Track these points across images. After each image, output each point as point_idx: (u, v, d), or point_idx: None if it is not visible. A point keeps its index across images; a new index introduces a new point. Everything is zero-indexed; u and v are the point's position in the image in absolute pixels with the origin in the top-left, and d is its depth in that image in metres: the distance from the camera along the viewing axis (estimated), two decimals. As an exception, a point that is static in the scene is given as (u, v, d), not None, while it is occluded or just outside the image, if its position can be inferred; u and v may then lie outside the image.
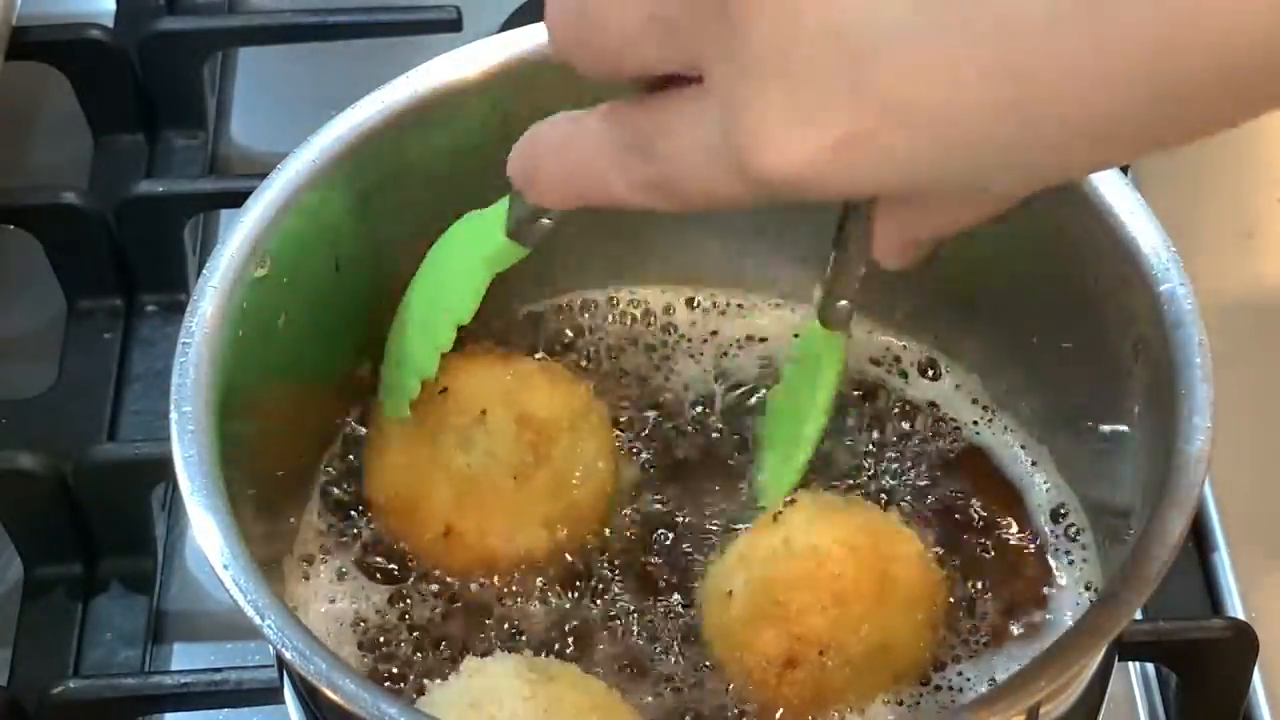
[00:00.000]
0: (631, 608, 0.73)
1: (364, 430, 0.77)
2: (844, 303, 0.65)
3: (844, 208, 0.61)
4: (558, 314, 0.82)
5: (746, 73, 0.50)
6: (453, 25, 1.00)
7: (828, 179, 0.51)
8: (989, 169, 0.51)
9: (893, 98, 0.49)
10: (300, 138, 0.73)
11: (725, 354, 0.80)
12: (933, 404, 0.79)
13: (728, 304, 0.82)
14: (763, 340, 0.81)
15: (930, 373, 0.80)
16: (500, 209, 0.66)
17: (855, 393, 0.79)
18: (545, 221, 0.64)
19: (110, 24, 1.04)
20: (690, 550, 0.74)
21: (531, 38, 0.75)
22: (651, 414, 0.79)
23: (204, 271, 0.70)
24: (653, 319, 0.82)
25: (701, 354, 0.81)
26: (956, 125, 0.49)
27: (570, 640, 0.72)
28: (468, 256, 0.68)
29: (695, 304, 0.82)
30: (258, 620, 0.62)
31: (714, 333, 0.81)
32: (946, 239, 0.58)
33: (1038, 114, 0.48)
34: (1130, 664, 0.83)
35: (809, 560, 0.69)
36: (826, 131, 0.49)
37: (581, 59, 0.56)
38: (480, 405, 0.72)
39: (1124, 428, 0.71)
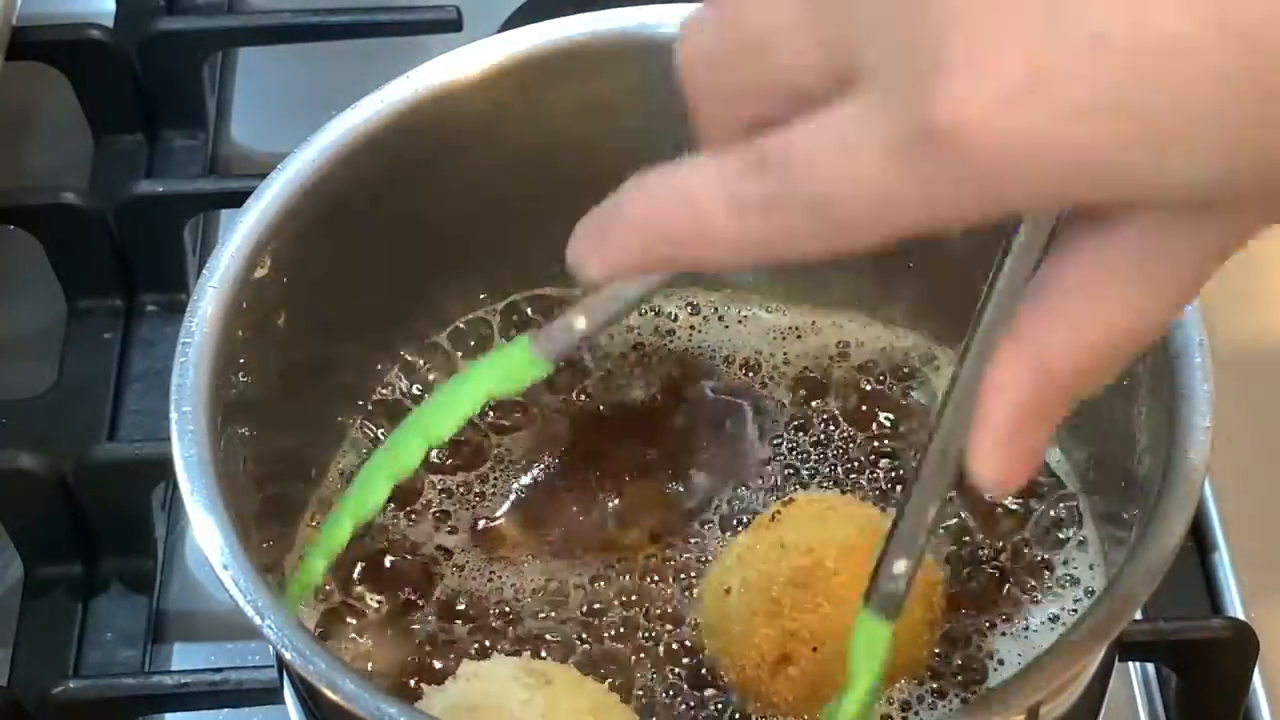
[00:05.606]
0: (630, 613, 0.73)
1: (362, 430, 0.77)
2: (900, 566, 0.57)
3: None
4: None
5: (921, 28, 0.42)
6: (453, 25, 1.00)
7: (1024, 131, 0.41)
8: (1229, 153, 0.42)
9: (1089, 27, 0.41)
10: (300, 138, 0.73)
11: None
12: (931, 404, 0.79)
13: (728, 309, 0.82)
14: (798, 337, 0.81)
15: (930, 373, 0.80)
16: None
17: (854, 390, 0.79)
18: (578, 324, 0.55)
19: (110, 24, 1.04)
20: (692, 549, 0.75)
21: (531, 38, 0.75)
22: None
23: (204, 271, 0.70)
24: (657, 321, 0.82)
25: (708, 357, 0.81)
26: (1178, 64, 0.40)
27: (568, 642, 0.72)
28: (478, 375, 0.60)
29: (697, 309, 0.82)
30: (258, 620, 0.62)
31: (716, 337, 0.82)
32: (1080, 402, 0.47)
33: None
34: (1130, 664, 0.83)
35: (805, 559, 0.69)
36: (1016, 66, 0.41)
37: (715, 83, 0.47)
38: None
39: (1124, 427, 0.71)
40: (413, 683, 0.71)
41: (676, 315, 0.82)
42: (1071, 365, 0.46)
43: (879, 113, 0.42)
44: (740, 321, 0.82)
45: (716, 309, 0.82)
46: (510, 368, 0.58)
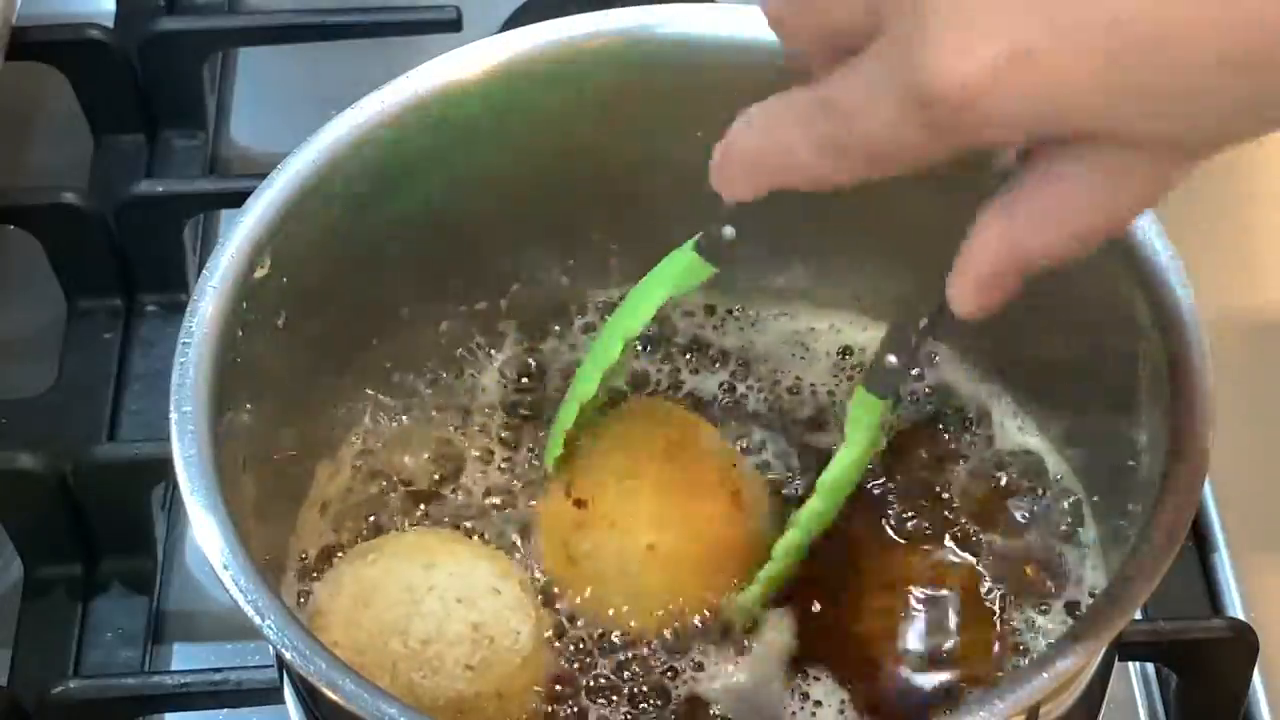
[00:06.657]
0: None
1: (362, 430, 0.77)
2: (893, 360, 0.65)
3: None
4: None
5: (919, 3, 0.52)
6: (453, 25, 1.00)
7: (1000, 98, 0.51)
8: (1176, 103, 0.51)
9: (1064, 13, 0.50)
10: (300, 138, 0.73)
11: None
12: (931, 403, 0.79)
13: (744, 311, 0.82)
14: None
15: (928, 371, 0.80)
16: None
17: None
18: (728, 231, 0.66)
19: (110, 24, 1.04)
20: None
21: (531, 38, 0.75)
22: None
23: (204, 271, 0.70)
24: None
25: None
26: (1139, 43, 0.49)
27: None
28: (654, 279, 0.70)
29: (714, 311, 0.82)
30: (258, 620, 0.62)
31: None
32: (1040, 268, 0.57)
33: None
34: (1130, 664, 0.83)
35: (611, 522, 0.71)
36: (995, 43, 0.50)
37: (791, 26, 0.58)
38: None
39: (1124, 428, 0.71)
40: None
41: (695, 313, 0.82)
42: (1041, 247, 0.56)
43: (894, 66, 0.52)
44: (753, 325, 0.82)
45: (731, 311, 0.82)
46: (680, 273, 0.68)
